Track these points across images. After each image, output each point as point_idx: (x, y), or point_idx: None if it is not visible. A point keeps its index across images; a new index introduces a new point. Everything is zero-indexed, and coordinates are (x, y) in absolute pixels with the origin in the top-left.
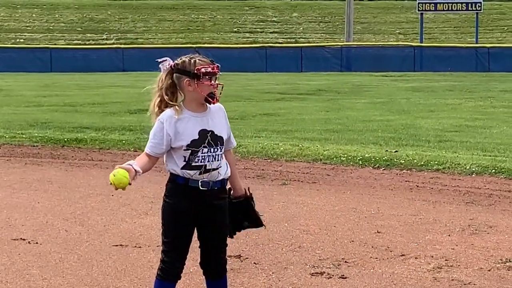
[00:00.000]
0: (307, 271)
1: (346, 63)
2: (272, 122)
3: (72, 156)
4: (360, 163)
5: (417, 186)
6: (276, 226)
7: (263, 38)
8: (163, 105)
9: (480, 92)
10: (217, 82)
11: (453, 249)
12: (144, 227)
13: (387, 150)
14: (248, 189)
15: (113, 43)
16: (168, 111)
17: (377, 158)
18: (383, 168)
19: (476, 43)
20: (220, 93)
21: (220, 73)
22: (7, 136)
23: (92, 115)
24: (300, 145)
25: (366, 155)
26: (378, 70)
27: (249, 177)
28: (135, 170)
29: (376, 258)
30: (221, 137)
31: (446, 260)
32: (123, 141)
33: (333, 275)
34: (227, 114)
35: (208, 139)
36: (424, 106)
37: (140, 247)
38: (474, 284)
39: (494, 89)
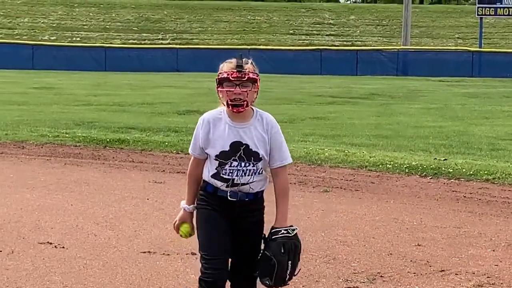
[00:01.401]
0: (339, 285)
1: (402, 67)
2: (321, 126)
3: (113, 157)
4: (407, 171)
5: (464, 196)
6: (312, 235)
7: (319, 41)
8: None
9: None
10: (235, 88)
11: (497, 265)
12: (175, 233)
13: (435, 158)
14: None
15: (169, 43)
16: (213, 112)
17: (425, 166)
18: (430, 177)
19: None
20: (253, 100)
21: (243, 78)
22: (50, 136)
23: (139, 115)
24: (346, 151)
25: (413, 163)
26: (435, 75)
27: (290, 183)
28: (187, 211)
29: (414, 273)
30: (256, 153)
31: (488, 277)
32: (166, 143)
33: None
34: (277, 117)
35: (240, 152)
36: (479, 113)
37: (168, 254)
38: None
39: None
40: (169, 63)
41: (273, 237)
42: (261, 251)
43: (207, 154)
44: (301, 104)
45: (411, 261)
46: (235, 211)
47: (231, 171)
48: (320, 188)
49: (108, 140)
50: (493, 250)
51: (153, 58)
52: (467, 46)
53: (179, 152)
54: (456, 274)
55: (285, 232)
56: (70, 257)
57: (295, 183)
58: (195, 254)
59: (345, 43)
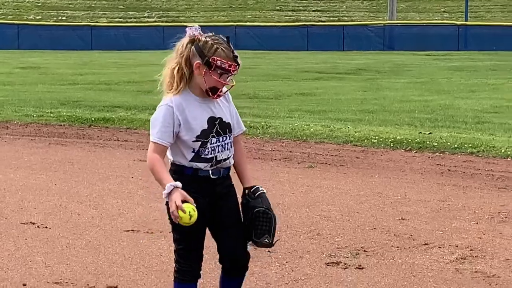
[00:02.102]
0: (322, 260)
1: (389, 42)
2: (307, 102)
3: (98, 136)
4: (392, 145)
5: (449, 170)
6: (296, 211)
7: (306, 16)
8: (178, 76)
9: None
10: (228, 80)
11: (480, 238)
12: (160, 211)
13: (420, 132)
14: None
15: (155, 21)
16: (178, 98)
17: (410, 140)
18: (415, 151)
19: None
20: (227, 91)
21: (236, 73)
22: (35, 115)
23: (125, 94)
24: (331, 126)
25: (398, 137)
26: (421, 49)
27: (275, 159)
28: (179, 187)
29: (398, 247)
30: (228, 124)
31: (471, 250)
32: None
33: (349, 265)
34: (263, 94)
35: (216, 127)
36: (464, 86)
37: (152, 233)
38: (498, 277)
39: None
40: (155, 41)
41: (256, 194)
42: (249, 212)
43: (179, 138)
44: (287, 80)
45: (394, 235)
46: (215, 189)
47: (213, 148)
48: (305, 164)
49: (93, 119)
50: (477, 223)
51: (139, 36)
52: (453, 20)
53: None
54: (439, 247)
55: (261, 188)
56: (53, 236)
57: (280, 159)
58: None
59: (331, 18)
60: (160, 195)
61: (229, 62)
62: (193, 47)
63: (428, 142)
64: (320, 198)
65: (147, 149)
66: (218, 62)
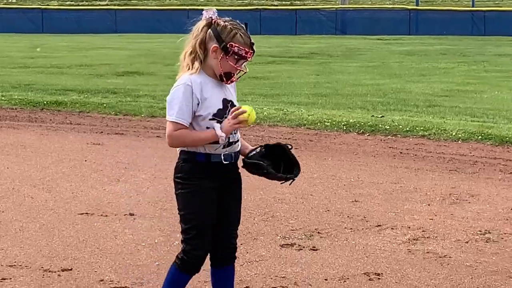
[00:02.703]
0: (277, 242)
1: (341, 26)
2: (260, 86)
3: (50, 120)
4: (345, 128)
5: (401, 152)
6: (250, 194)
7: (258, 1)
8: (191, 58)
9: (474, 56)
10: (243, 66)
11: (432, 219)
12: (114, 194)
13: (373, 116)
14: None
15: (107, 4)
16: (196, 77)
17: (363, 123)
18: (367, 134)
19: (473, 6)
20: (239, 77)
21: (251, 60)
22: None
23: (77, 77)
24: (284, 110)
25: (351, 120)
26: (373, 34)
27: None
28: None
29: (351, 228)
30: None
31: (423, 231)
32: (104, 105)
33: (303, 247)
34: None
35: (228, 109)
36: (416, 70)
37: (106, 215)
38: (450, 257)
39: (489, 53)
40: (107, 25)
41: (264, 144)
42: (269, 160)
43: (196, 118)
44: None
45: (348, 217)
46: (227, 175)
47: None
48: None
49: (45, 102)
50: (428, 205)
51: (91, 19)
52: (404, 4)
53: (118, 113)
54: (392, 228)
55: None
56: (6, 220)
57: None
58: (133, 215)
59: (284, 2)
60: (115, 178)
61: (246, 49)
62: (210, 30)
63: (380, 125)
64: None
65: (100, 132)
66: (236, 48)
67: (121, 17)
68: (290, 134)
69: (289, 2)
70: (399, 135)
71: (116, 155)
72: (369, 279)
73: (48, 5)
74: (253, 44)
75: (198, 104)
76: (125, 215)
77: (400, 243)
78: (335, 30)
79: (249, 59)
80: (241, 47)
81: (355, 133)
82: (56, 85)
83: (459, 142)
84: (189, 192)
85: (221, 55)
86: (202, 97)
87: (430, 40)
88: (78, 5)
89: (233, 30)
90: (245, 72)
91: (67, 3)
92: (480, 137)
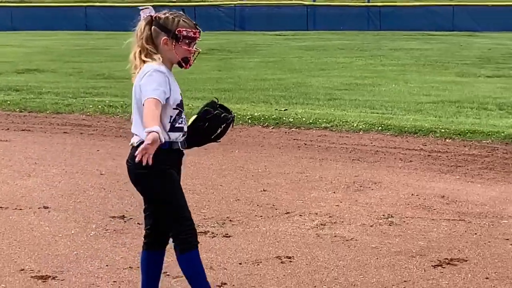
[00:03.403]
0: None
1: (239, 22)
2: None
3: None
4: (250, 121)
5: (305, 144)
6: None
7: None
8: (143, 55)
9: (370, 50)
10: (195, 47)
11: (338, 206)
12: (26, 188)
13: (276, 109)
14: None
15: (1, 1)
16: (163, 66)
17: (267, 116)
18: (272, 127)
19: (368, 2)
20: (195, 59)
21: (200, 39)
22: None
23: None
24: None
25: (256, 114)
26: (271, 30)
27: None
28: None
29: (261, 216)
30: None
31: (330, 217)
32: (8, 102)
33: (217, 234)
34: (118, 74)
35: (182, 100)
36: (315, 65)
37: (21, 209)
38: (356, 240)
39: (385, 47)
40: (3, 22)
41: (201, 108)
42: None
43: (164, 106)
44: None
45: (257, 205)
46: (180, 161)
47: (182, 119)
48: None
49: None
50: (334, 192)
51: None
52: (301, 0)
53: (23, 110)
54: (300, 215)
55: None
56: None
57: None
58: (48, 207)
59: None
60: (25, 173)
61: (193, 30)
62: (153, 26)
63: (284, 118)
64: (183, 173)
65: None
66: (184, 32)
67: (17, 14)
68: None
69: None
70: (303, 127)
71: (25, 151)
72: (281, 262)
73: None
74: (196, 24)
75: (169, 91)
76: (39, 208)
77: (309, 228)
78: (234, 26)
79: (198, 39)
80: (188, 30)
81: (260, 126)
82: None
83: (360, 133)
84: (170, 179)
85: (173, 44)
86: (171, 87)
87: (328, 35)
88: None
89: (175, 18)
90: (199, 52)
91: None
92: (380, 128)
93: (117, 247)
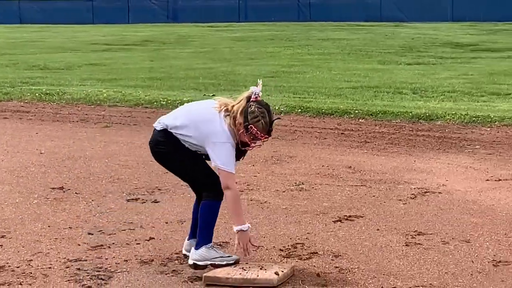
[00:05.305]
0: (123, 198)
1: (172, 14)
2: (97, 72)
3: None
4: (179, 106)
5: None
6: (97, 162)
7: None
8: (229, 110)
9: (299, 40)
10: (257, 144)
11: (255, 176)
12: None
13: (205, 94)
14: None
15: None
16: (230, 134)
17: (195, 100)
18: None
19: None
20: (252, 148)
21: (267, 140)
22: None
23: None
24: (123, 92)
25: (185, 99)
26: (204, 21)
27: (73, 121)
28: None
29: (187, 185)
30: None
31: (248, 185)
32: None
33: (146, 200)
34: (53, 65)
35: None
36: (245, 55)
37: None
38: (269, 203)
39: (313, 37)
40: None
41: None
42: None
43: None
44: (76, 52)
45: None
46: None
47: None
48: (102, 124)
49: None
50: (253, 165)
51: None
52: None
53: None
54: None
55: None
56: None
57: (77, 121)
58: None
59: None
60: None
61: (263, 134)
62: (246, 103)
63: None
64: (117, 151)
65: None
66: (254, 131)
67: None
68: (129, 113)
69: None
70: None
71: None
72: None
73: None
74: (271, 130)
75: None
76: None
77: None
78: (167, 18)
79: (263, 142)
80: (258, 132)
81: None
82: None
83: (281, 115)
84: (191, 154)
85: (242, 130)
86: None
87: (259, 26)
88: None
89: (258, 116)
90: (260, 146)
91: None
92: (300, 110)
93: (58, 212)
